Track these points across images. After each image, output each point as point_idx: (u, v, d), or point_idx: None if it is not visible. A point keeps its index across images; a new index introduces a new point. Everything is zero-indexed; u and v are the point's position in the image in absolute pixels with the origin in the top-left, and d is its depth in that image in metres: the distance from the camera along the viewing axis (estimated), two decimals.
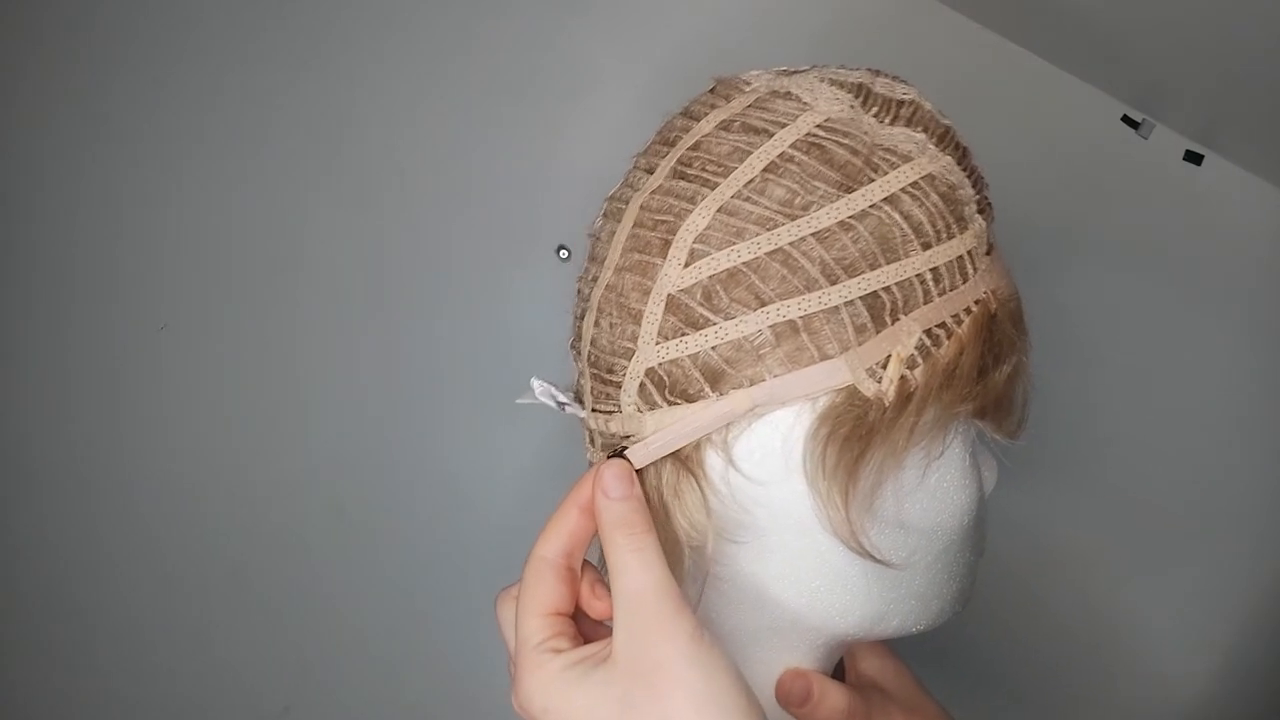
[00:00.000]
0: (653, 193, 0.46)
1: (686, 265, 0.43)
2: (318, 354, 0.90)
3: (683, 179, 0.45)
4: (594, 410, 0.48)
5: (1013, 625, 0.91)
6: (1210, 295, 0.91)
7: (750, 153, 0.44)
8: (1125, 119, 0.91)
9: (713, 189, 0.44)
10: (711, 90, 0.50)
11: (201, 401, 0.88)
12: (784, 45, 0.93)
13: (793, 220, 0.43)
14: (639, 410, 0.45)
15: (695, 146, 0.46)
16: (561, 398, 0.48)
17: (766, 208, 0.43)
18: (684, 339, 0.43)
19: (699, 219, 0.44)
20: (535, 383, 0.49)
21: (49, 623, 0.86)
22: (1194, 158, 0.91)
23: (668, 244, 0.44)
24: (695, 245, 0.44)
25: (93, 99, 0.87)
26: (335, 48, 0.91)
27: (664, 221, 0.45)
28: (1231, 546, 0.91)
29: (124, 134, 0.88)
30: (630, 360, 0.45)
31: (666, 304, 0.44)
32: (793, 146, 0.44)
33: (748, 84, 0.49)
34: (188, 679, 0.87)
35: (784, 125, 0.45)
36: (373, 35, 0.91)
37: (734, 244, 0.43)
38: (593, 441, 0.50)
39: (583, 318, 0.49)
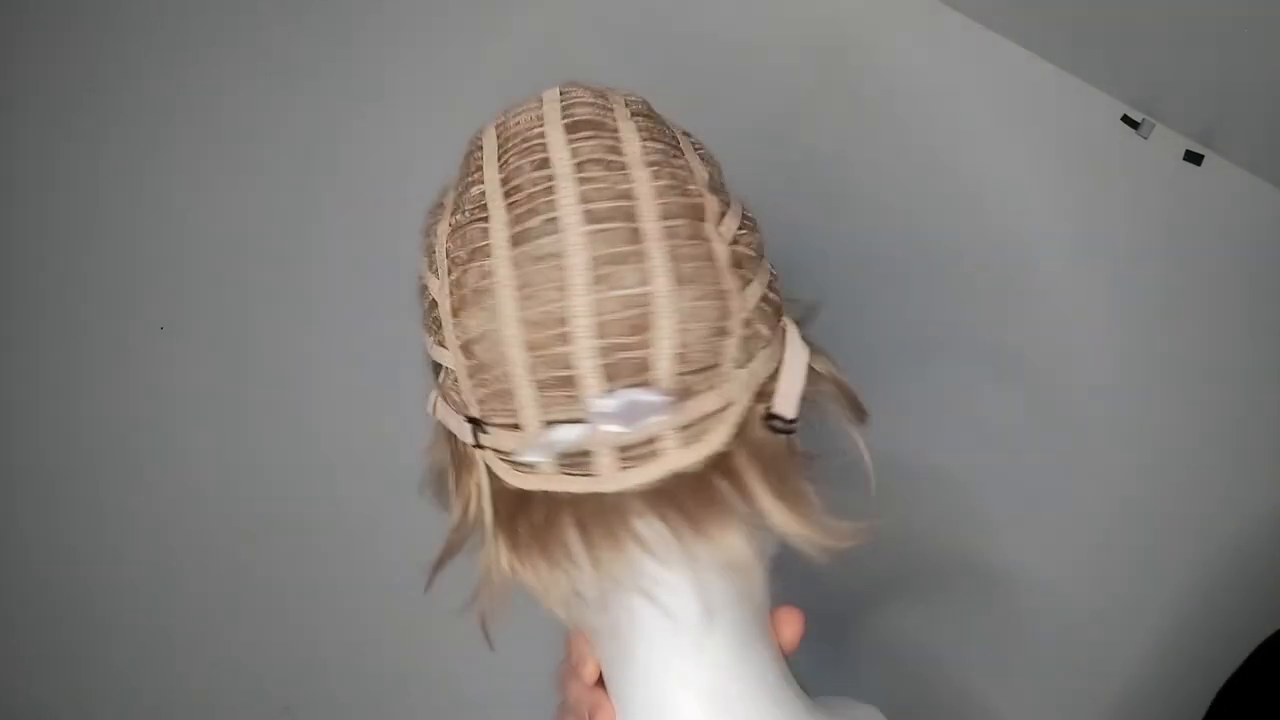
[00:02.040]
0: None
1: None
2: (318, 354, 0.90)
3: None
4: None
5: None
6: (1210, 294, 0.91)
7: None
8: (1125, 119, 0.92)
9: None
10: None
11: (201, 402, 0.88)
12: (784, 45, 0.93)
13: None
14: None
15: None
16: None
17: None
18: None
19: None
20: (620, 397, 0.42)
21: (49, 623, 0.86)
22: (1194, 158, 0.91)
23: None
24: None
25: (92, 102, 0.87)
26: (335, 50, 0.91)
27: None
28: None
29: (123, 135, 0.88)
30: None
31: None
32: None
33: None
34: (188, 679, 0.87)
35: None
36: (372, 38, 0.91)
37: None
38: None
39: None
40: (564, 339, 0.40)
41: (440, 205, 0.48)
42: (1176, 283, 0.92)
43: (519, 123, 0.44)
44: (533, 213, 0.41)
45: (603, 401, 0.41)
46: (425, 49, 0.92)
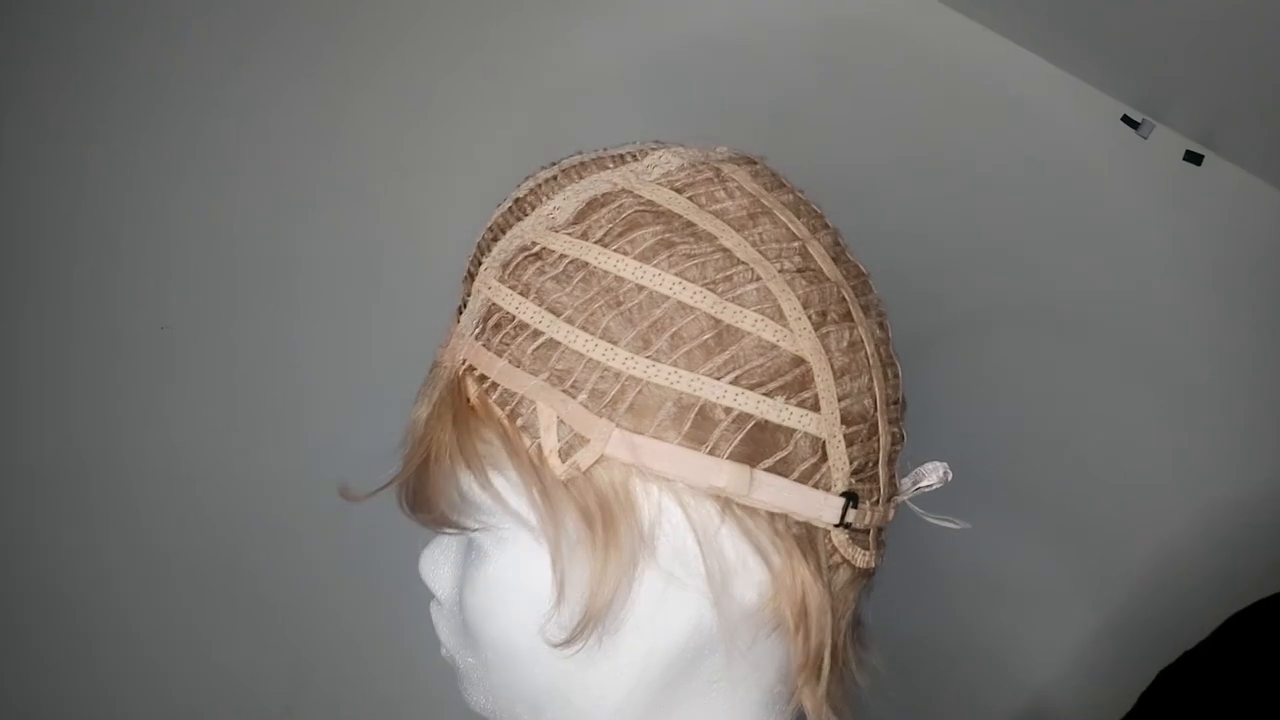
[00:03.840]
0: None
1: None
2: (318, 353, 0.90)
3: None
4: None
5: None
6: (1210, 295, 0.91)
7: None
8: (1125, 119, 0.92)
9: None
10: None
11: (201, 402, 0.88)
12: (784, 45, 0.93)
13: None
14: None
15: None
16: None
17: None
18: None
19: None
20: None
21: (48, 623, 0.86)
22: (1194, 158, 0.91)
23: None
24: None
25: (93, 100, 0.87)
26: (335, 49, 0.91)
27: None
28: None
29: (124, 133, 0.88)
30: None
31: None
32: None
33: None
34: (189, 680, 0.87)
35: None
36: (372, 37, 0.91)
37: None
38: None
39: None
40: (896, 395, 0.42)
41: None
42: (1176, 283, 0.92)
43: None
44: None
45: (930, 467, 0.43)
46: (430, 47, 0.92)
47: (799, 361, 0.38)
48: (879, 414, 0.40)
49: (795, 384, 0.37)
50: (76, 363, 0.87)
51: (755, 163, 0.43)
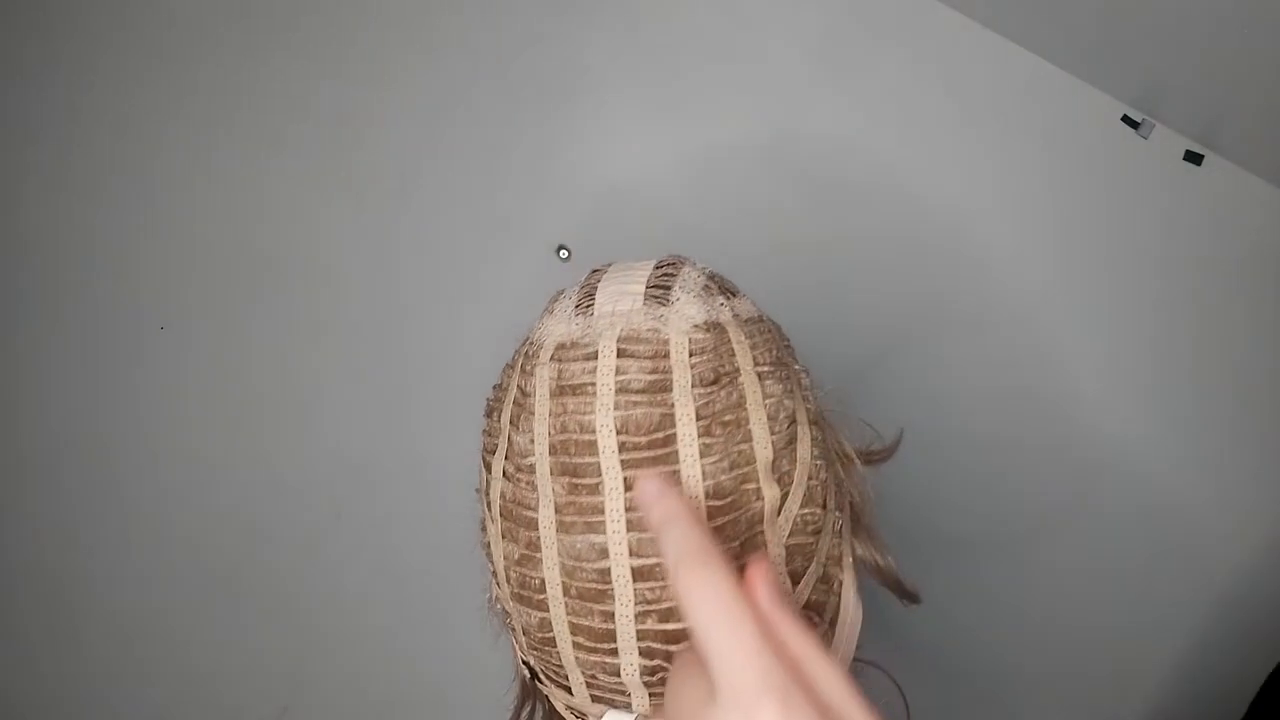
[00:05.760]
0: None
1: None
2: (317, 354, 0.90)
3: None
4: None
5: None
6: (1210, 295, 0.91)
7: None
8: (1125, 119, 0.91)
9: None
10: None
11: (199, 402, 0.88)
12: (785, 45, 0.93)
13: None
14: None
15: None
16: None
17: None
18: None
19: None
20: None
21: (49, 622, 0.86)
22: (1194, 158, 0.91)
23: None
24: None
25: (93, 100, 0.87)
26: (336, 50, 0.91)
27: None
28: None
29: (124, 133, 0.88)
30: None
31: None
32: None
33: None
34: (186, 678, 0.87)
35: None
36: (373, 37, 0.91)
37: None
38: None
39: None
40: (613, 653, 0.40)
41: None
42: (1176, 283, 0.92)
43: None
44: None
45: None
46: (432, 57, 0.92)
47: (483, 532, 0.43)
48: (563, 643, 0.40)
49: (492, 576, 0.44)
50: (78, 362, 0.87)
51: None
